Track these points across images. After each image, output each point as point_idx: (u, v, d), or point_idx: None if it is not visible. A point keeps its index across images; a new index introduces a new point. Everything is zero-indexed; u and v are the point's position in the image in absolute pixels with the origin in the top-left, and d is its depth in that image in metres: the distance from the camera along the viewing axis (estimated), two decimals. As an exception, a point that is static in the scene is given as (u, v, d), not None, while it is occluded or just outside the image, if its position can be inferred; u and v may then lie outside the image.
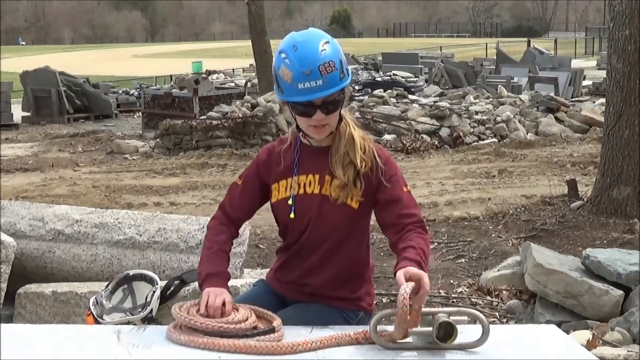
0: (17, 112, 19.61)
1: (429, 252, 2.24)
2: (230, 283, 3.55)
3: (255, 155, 2.55)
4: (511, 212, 7.43)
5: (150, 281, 3.45)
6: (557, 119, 14.05)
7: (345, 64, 2.32)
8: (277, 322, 2.18)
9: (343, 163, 2.34)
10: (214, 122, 13.39)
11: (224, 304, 2.22)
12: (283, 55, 2.27)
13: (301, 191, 2.39)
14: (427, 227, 2.35)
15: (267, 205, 2.52)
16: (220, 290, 2.27)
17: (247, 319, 2.18)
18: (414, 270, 2.09)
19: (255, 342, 2.07)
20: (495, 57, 26.75)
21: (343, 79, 2.29)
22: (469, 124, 13.55)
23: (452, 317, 2.07)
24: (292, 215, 2.39)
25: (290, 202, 2.39)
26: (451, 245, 6.39)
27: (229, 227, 2.48)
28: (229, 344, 2.07)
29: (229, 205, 2.50)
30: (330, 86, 2.25)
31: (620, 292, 4.14)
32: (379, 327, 2.12)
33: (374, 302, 2.57)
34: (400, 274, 2.09)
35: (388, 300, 4.81)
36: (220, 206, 2.53)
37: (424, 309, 2.12)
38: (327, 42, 2.27)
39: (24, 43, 79.47)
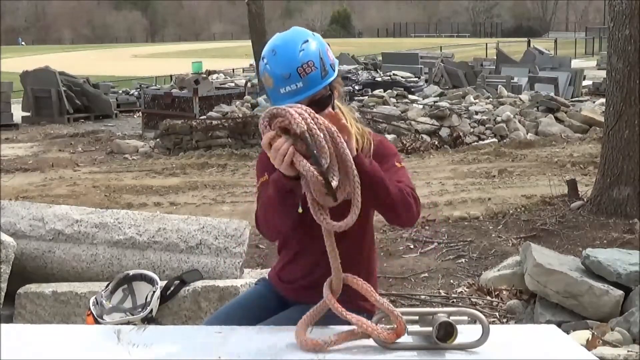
0: (17, 112, 19.61)
1: (397, 192, 2.18)
2: (230, 283, 3.60)
3: (257, 157, 2.48)
4: (511, 212, 7.42)
5: (150, 281, 3.45)
6: (557, 119, 14.04)
7: (329, 60, 2.29)
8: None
9: None
10: (214, 122, 13.40)
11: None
12: (265, 61, 2.26)
13: None
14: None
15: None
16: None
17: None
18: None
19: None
20: (495, 57, 26.74)
21: (325, 76, 2.26)
22: (469, 124, 13.55)
23: (452, 317, 2.07)
24: (300, 210, 2.35)
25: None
26: (451, 245, 6.39)
27: None
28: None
29: None
30: (311, 87, 2.23)
31: (620, 292, 4.15)
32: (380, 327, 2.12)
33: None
34: None
35: (389, 301, 4.80)
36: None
37: (424, 309, 2.13)
38: (306, 42, 2.24)
39: (24, 43, 79.36)
